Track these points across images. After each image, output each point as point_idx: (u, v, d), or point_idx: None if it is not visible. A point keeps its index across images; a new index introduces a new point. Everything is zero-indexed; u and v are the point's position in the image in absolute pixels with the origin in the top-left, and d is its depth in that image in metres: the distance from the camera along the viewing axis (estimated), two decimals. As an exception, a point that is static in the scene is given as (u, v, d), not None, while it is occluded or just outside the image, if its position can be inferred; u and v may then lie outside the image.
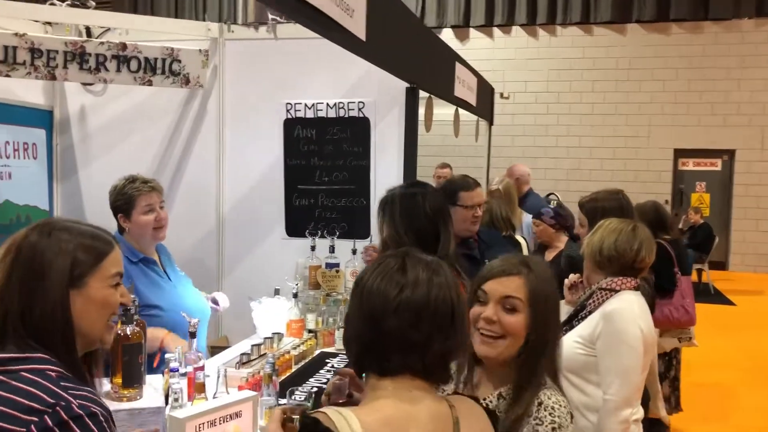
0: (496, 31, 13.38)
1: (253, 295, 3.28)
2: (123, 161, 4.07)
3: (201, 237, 4.20)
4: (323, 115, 4.03)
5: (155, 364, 2.57)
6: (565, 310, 2.65)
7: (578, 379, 2.42)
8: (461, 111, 5.75)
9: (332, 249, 3.55)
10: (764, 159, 12.62)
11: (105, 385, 2.17)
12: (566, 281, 2.76)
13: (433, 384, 1.32)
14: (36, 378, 1.22)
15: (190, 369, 2.34)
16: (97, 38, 4.06)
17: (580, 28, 13.05)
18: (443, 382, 1.36)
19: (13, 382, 1.21)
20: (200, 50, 3.96)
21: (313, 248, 3.59)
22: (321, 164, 4.04)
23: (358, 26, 2.70)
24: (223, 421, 2.12)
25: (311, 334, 3.22)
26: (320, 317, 3.34)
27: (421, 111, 4.29)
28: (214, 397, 2.21)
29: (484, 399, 1.62)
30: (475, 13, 13.25)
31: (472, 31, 13.43)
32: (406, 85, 3.67)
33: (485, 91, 6.58)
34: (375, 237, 3.21)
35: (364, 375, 1.34)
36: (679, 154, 13.05)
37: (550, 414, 1.52)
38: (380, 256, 1.42)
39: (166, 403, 2.13)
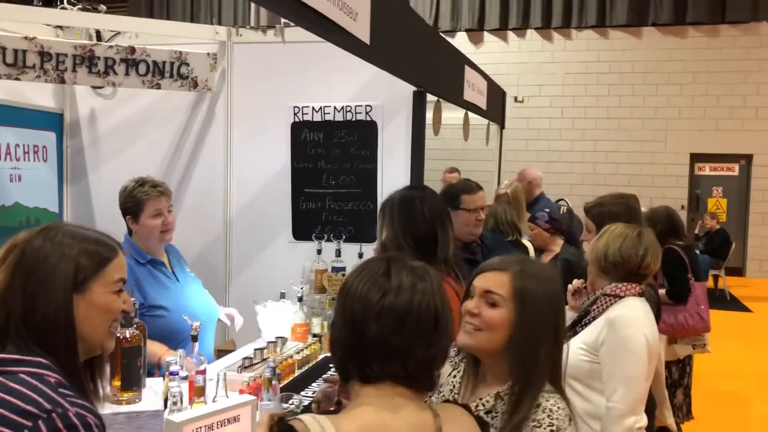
0: (511, 34, 13.34)
1: (260, 299, 3.28)
2: (132, 164, 4.09)
3: (208, 240, 4.21)
4: (330, 119, 4.03)
5: (156, 375, 2.57)
6: (569, 316, 2.62)
7: (581, 386, 2.39)
8: (472, 114, 5.72)
9: (338, 253, 3.54)
10: (782, 164, 12.48)
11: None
12: (570, 287, 2.72)
13: (417, 391, 1.29)
14: (34, 382, 1.21)
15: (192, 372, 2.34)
16: (106, 42, 4.09)
17: (596, 31, 12.96)
18: (428, 389, 1.34)
19: (11, 384, 1.20)
20: (208, 54, 3.98)
21: (319, 252, 3.57)
22: (328, 168, 4.04)
23: (361, 29, 2.69)
24: (221, 425, 2.11)
25: (316, 339, 3.21)
26: (325, 321, 3.33)
27: (430, 114, 4.28)
28: (213, 401, 2.20)
29: (481, 399, 1.60)
30: (489, 16, 13.21)
31: (487, 35, 13.39)
32: (414, 88, 3.65)
33: (496, 94, 6.55)
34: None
35: (348, 382, 1.32)
36: (696, 158, 12.92)
37: (548, 416, 1.50)
38: (366, 260, 1.39)
39: (166, 406, 2.13)
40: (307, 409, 2.16)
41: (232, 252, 4.24)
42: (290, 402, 2.18)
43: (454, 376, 1.75)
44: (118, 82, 3.79)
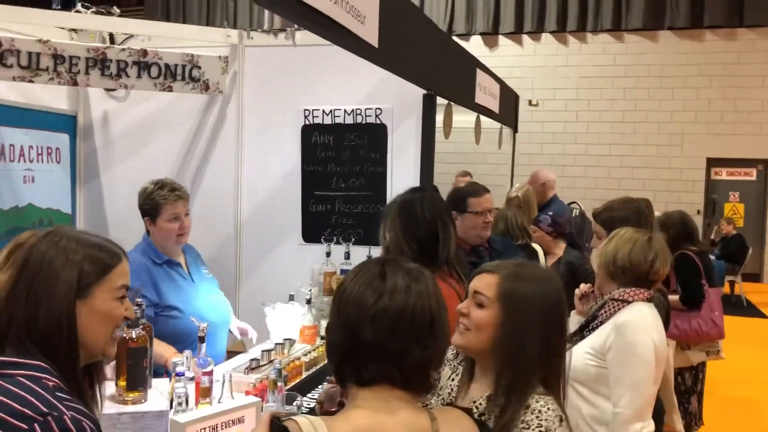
0: (526, 38, 13.29)
1: (270, 301, 3.28)
2: (144, 166, 4.14)
3: (219, 242, 4.23)
4: (341, 122, 4.04)
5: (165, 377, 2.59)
6: (575, 321, 2.61)
7: (588, 391, 2.38)
8: (484, 118, 5.71)
9: (347, 255, 3.54)
10: (801, 169, 12.32)
11: (110, 388, 2.19)
12: (577, 291, 2.71)
13: (414, 394, 1.29)
14: (32, 385, 1.21)
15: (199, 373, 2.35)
16: (119, 45, 4.12)
17: (611, 35, 12.88)
18: (424, 391, 1.33)
19: (8, 386, 1.21)
20: (220, 56, 4.00)
21: (328, 254, 3.58)
22: (338, 170, 4.05)
23: (369, 33, 2.70)
24: (225, 427, 2.12)
25: (324, 341, 3.21)
26: (333, 324, 3.32)
27: (440, 117, 4.27)
28: (219, 402, 2.21)
29: (475, 402, 1.60)
30: (504, 20, 13.18)
31: (501, 38, 13.35)
32: (423, 91, 3.65)
33: (509, 98, 6.53)
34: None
35: (345, 385, 1.31)
36: (712, 163, 12.79)
37: (537, 417, 1.49)
38: (361, 263, 1.39)
39: (172, 407, 2.14)
40: (311, 411, 2.16)
41: (242, 254, 4.26)
42: (293, 403, 2.18)
43: (453, 380, 1.74)
44: (130, 84, 3.81)
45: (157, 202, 2.87)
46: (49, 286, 1.29)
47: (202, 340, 2.52)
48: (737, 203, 12.90)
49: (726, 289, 10.01)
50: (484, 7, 13.20)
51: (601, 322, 2.44)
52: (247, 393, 2.43)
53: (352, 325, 1.25)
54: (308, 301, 3.29)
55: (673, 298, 4.21)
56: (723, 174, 12.91)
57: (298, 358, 2.93)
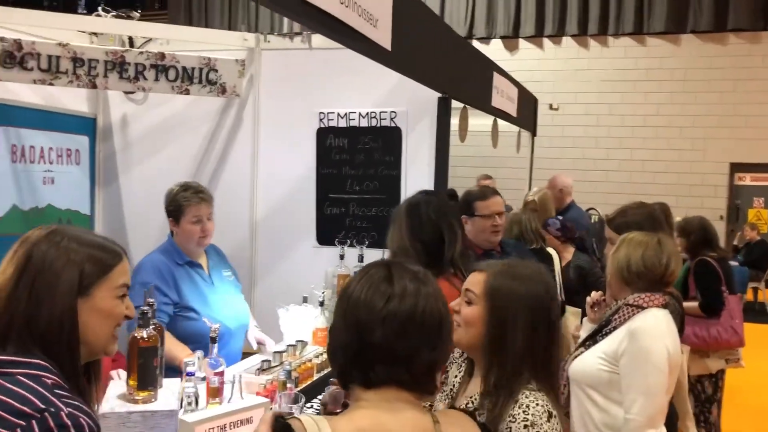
0: (546, 41, 13.22)
1: (284, 303, 3.30)
2: (162, 168, 4.18)
3: (234, 244, 4.24)
4: (355, 125, 4.05)
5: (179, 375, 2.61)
6: (588, 327, 2.59)
7: (600, 397, 2.35)
8: (502, 122, 5.68)
9: (361, 258, 3.54)
10: (827, 174, 12.10)
11: (121, 387, 2.21)
12: (588, 299, 2.68)
13: (418, 395, 1.29)
14: (30, 383, 1.22)
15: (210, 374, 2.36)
16: (138, 48, 4.17)
17: (633, 38, 12.76)
18: (429, 393, 1.33)
19: (8, 385, 1.22)
20: (236, 60, 4.03)
21: (341, 257, 3.58)
22: (352, 173, 4.06)
23: (382, 36, 2.70)
24: (234, 427, 2.14)
25: (331, 343, 3.21)
26: (346, 326, 3.32)
27: (456, 121, 4.26)
28: (228, 402, 2.23)
29: (471, 396, 1.62)
30: (525, 23, 13.12)
31: (522, 42, 13.29)
32: (438, 94, 3.64)
33: (527, 101, 6.50)
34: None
35: (348, 387, 1.32)
36: (736, 168, 12.60)
37: (524, 412, 1.51)
38: (366, 265, 1.40)
39: (182, 406, 2.15)
40: (317, 411, 2.16)
41: (257, 256, 4.28)
42: (299, 403, 2.18)
43: (456, 376, 1.78)
44: (148, 87, 3.86)
45: (181, 203, 2.92)
46: (51, 286, 1.30)
47: (213, 340, 2.54)
48: (761, 209, 12.70)
49: (749, 295, 9.86)
50: (505, 11, 13.15)
51: (615, 328, 2.42)
52: (258, 394, 2.44)
53: (361, 328, 1.26)
54: (321, 304, 3.30)
55: (693, 305, 4.15)
56: (747, 179, 12.71)
57: (310, 360, 2.94)
